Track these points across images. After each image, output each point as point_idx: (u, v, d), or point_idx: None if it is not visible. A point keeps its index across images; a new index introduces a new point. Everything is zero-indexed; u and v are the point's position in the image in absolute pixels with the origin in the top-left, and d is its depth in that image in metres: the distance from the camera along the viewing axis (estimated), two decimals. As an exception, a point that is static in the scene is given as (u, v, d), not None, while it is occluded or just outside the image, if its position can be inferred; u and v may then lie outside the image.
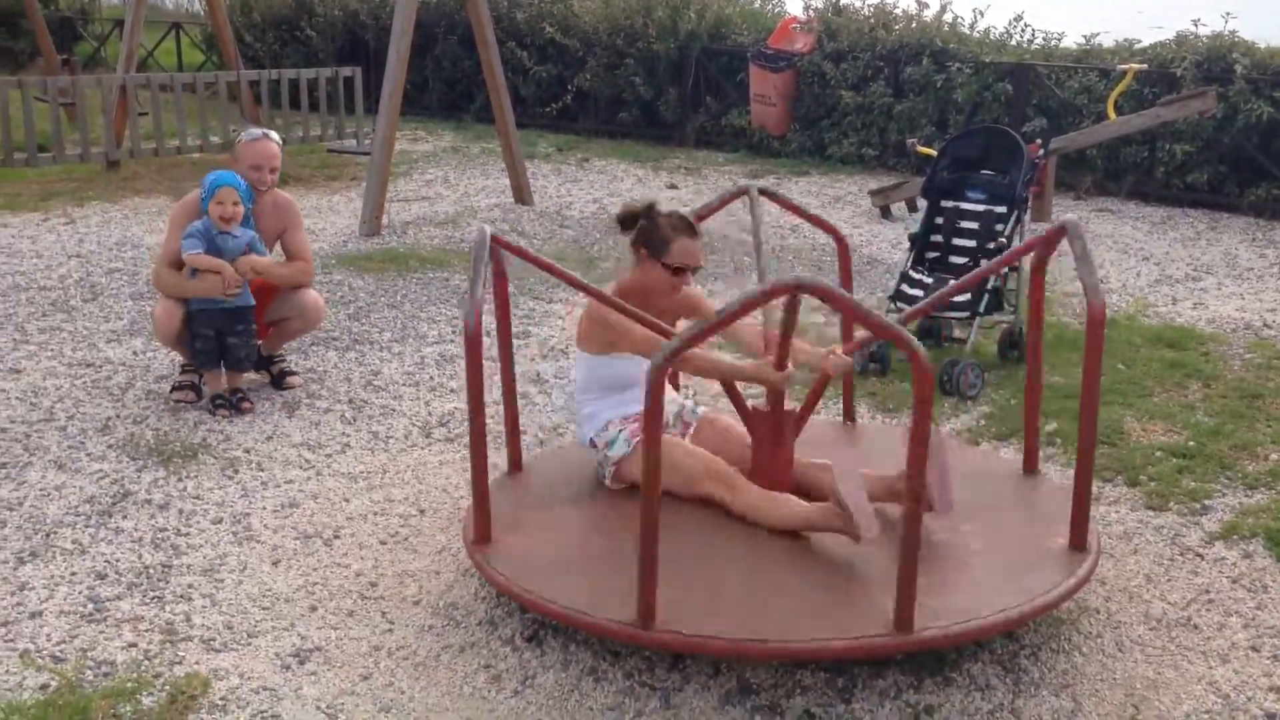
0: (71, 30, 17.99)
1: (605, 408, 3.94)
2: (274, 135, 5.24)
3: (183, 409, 5.11)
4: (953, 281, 5.02)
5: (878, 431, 4.67)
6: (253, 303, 5.12)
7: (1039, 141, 6.60)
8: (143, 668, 3.27)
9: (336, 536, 4.07)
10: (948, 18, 11.53)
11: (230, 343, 5.09)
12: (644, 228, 3.81)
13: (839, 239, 4.43)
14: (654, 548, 3.04)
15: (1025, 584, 3.34)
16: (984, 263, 5.70)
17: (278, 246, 5.39)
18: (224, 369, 5.14)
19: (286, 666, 3.31)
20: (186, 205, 5.14)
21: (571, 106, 13.39)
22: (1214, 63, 9.85)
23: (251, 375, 5.37)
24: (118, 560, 3.86)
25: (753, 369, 3.67)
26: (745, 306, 3.09)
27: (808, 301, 3.32)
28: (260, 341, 5.34)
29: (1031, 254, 3.86)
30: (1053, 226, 3.65)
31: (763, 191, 4.28)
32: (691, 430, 4.00)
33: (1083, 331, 3.83)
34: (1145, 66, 9.40)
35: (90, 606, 3.57)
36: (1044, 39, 11.19)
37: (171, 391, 5.21)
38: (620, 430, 3.89)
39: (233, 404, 5.09)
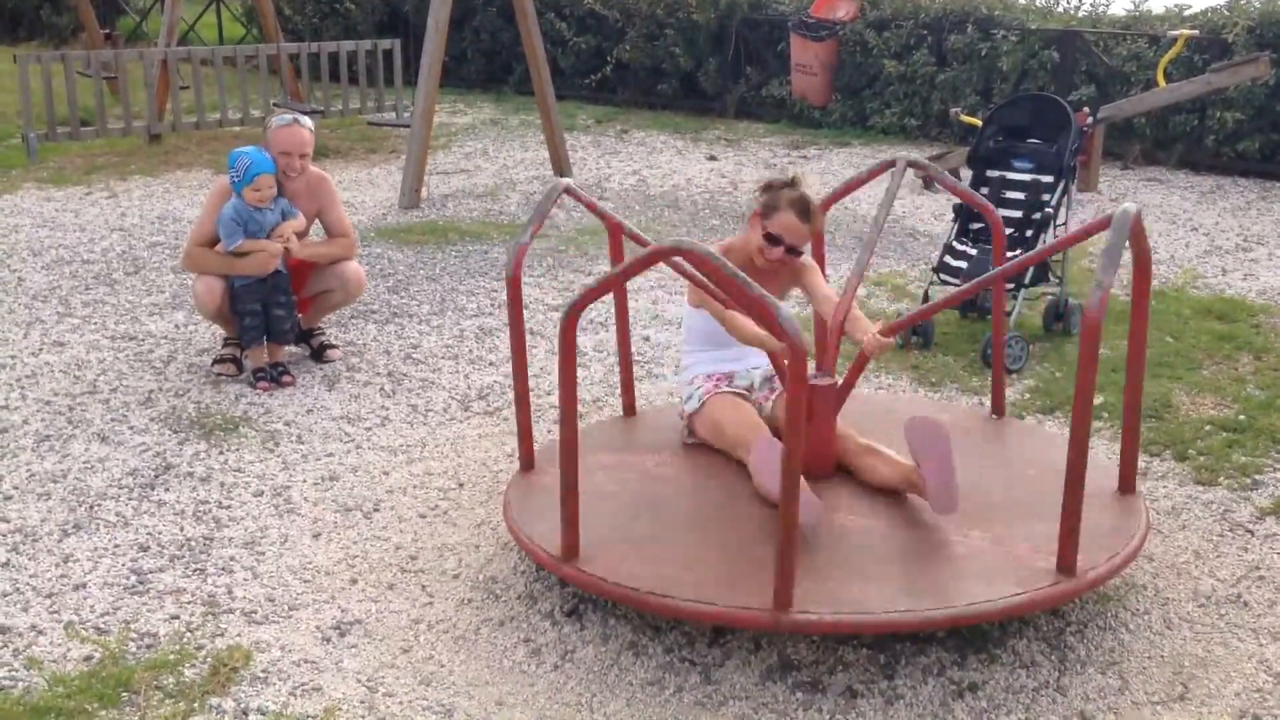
0: (114, 5, 18.07)
1: (699, 362, 4.06)
2: (305, 120, 5.18)
3: (224, 382, 5.13)
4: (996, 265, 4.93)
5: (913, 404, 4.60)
6: (285, 270, 5.13)
7: (1086, 109, 6.48)
8: (185, 640, 3.29)
9: (376, 509, 4.08)
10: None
11: (276, 314, 5.11)
12: (769, 193, 3.85)
13: (992, 218, 4.30)
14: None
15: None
16: (1029, 234, 5.62)
17: (316, 224, 5.38)
18: (266, 342, 5.16)
19: (327, 639, 3.32)
20: (223, 191, 5.12)
21: (611, 78, 13.30)
22: (1267, 28, 9.62)
23: (291, 348, 5.38)
24: (160, 533, 3.88)
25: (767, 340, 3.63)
26: (631, 269, 3.16)
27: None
28: (300, 315, 5.35)
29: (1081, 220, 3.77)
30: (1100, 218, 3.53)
31: (913, 164, 4.20)
32: (776, 395, 3.96)
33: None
34: (1196, 32, 9.21)
35: (133, 579, 3.60)
36: (1091, 5, 10.98)
37: (213, 365, 5.24)
38: (699, 386, 3.98)
39: (274, 377, 5.10)
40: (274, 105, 10.31)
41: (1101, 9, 10.93)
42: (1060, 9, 11.09)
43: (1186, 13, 10.30)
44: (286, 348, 5.29)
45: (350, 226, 5.38)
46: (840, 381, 3.75)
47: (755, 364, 4.06)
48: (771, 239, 3.80)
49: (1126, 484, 3.68)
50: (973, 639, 3.29)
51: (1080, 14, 10.96)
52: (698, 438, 4.00)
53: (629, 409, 4.41)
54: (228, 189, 5.11)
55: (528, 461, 3.87)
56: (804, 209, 3.79)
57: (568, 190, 3.91)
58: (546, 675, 3.18)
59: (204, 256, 5.08)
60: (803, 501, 3.16)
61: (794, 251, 3.82)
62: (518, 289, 3.72)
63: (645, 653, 3.26)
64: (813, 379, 3.73)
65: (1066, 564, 3.17)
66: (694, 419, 3.97)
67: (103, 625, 3.36)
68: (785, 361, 3.48)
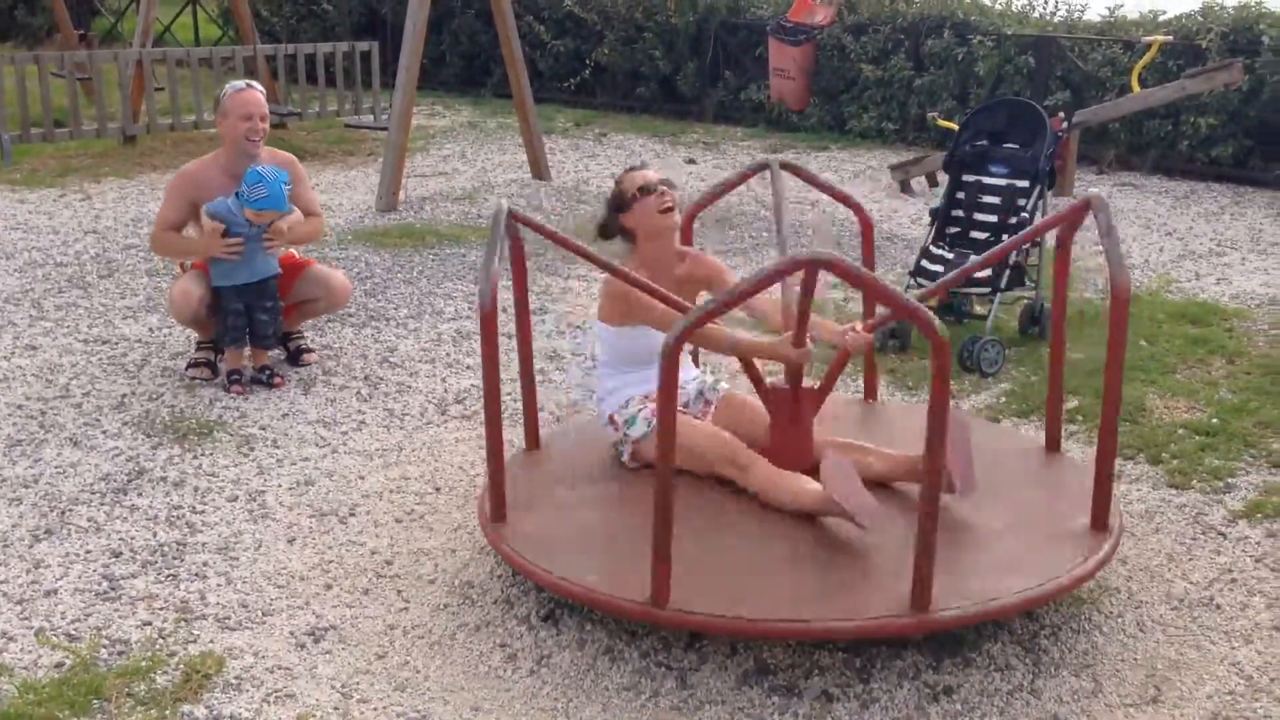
0: (88, 5, 17.96)
1: (626, 384, 3.92)
2: (256, 84, 5.18)
3: (198, 386, 5.10)
4: (973, 257, 4.98)
5: (899, 410, 4.62)
6: (278, 270, 5.09)
7: (1062, 114, 6.52)
8: (157, 646, 3.27)
9: (352, 514, 4.06)
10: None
11: (259, 319, 5.07)
12: (609, 211, 3.90)
13: (862, 215, 4.36)
14: (668, 529, 3.01)
15: (1045, 564, 3.29)
16: (1005, 238, 5.64)
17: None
18: (249, 346, 5.13)
19: (301, 645, 3.30)
20: (186, 176, 5.09)
21: (589, 81, 13.31)
22: (1240, 34, 9.71)
23: (270, 352, 5.35)
24: (133, 538, 3.85)
25: (770, 346, 3.63)
26: (761, 281, 3.04)
27: (827, 278, 3.27)
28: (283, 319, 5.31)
29: (1056, 229, 3.79)
30: (1078, 200, 3.59)
31: (784, 165, 4.21)
32: (712, 409, 3.96)
33: (1106, 307, 3.76)
34: (1170, 38, 9.27)
35: (105, 585, 3.57)
36: (1067, 11, 11.05)
37: (187, 368, 5.20)
38: (640, 409, 3.84)
39: (264, 381, 5.08)
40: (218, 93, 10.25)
41: (1077, 15, 11.00)
42: (1036, 14, 11.17)
43: (1161, 19, 10.37)
44: (269, 352, 5.25)
45: (319, 206, 5.37)
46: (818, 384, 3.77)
47: (686, 378, 4.02)
48: (645, 192, 3.79)
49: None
50: (947, 643, 3.30)
51: (1056, 20, 11.03)
52: (642, 461, 3.81)
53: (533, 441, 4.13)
54: (192, 178, 5.05)
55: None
56: (627, 172, 3.92)
57: (512, 214, 3.59)
58: (522, 680, 3.17)
59: (170, 239, 5.07)
60: (862, 506, 3.30)
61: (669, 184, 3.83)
62: (493, 324, 3.43)
63: (621, 658, 3.26)
64: (780, 382, 3.74)
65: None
66: (642, 444, 3.79)
67: (74, 632, 3.34)
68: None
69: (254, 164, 4.98)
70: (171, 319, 5.62)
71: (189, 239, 5.05)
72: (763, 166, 4.20)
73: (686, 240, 4.20)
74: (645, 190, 3.79)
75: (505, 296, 3.71)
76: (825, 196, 4.40)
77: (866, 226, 4.37)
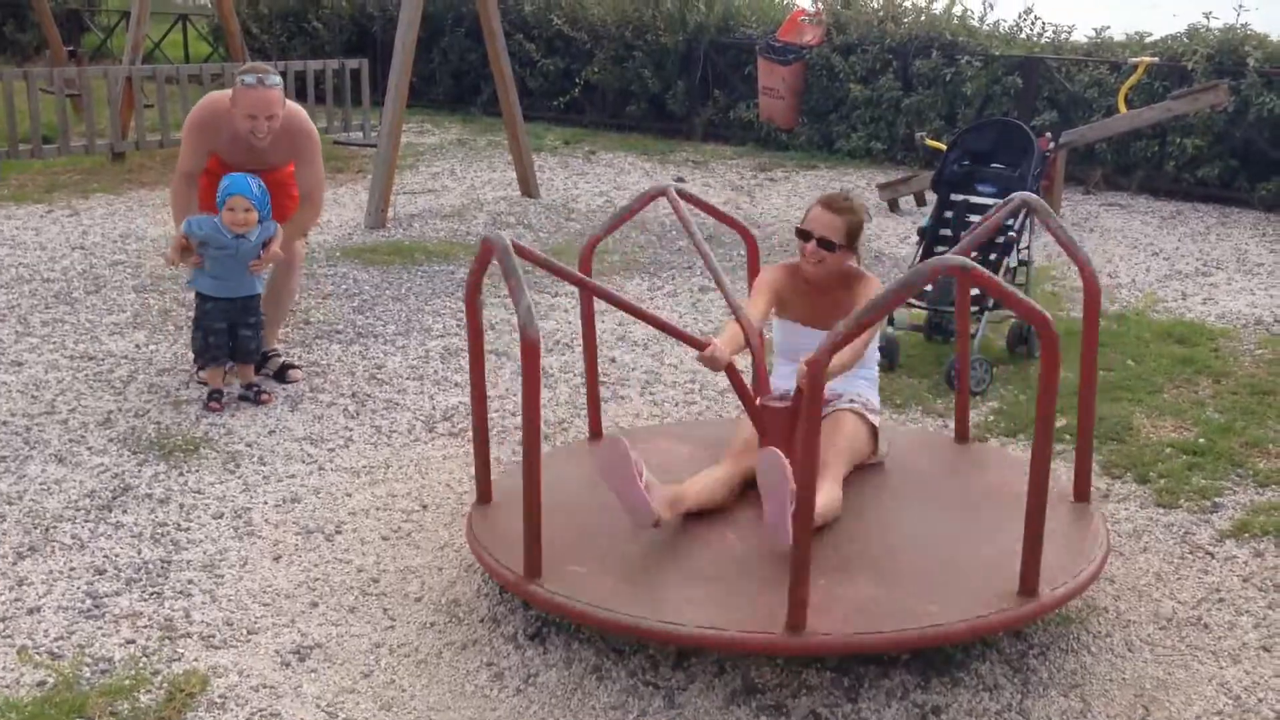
0: (78, 22, 17.97)
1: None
2: (272, 79, 4.94)
3: (184, 403, 5.07)
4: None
5: (993, 453, 4.49)
6: (260, 290, 5.08)
7: (1049, 135, 6.56)
8: (141, 665, 3.24)
9: (338, 532, 4.04)
10: (957, 10, 11.47)
11: (243, 335, 5.05)
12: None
13: (748, 237, 4.39)
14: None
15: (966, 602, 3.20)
16: (993, 256, 5.65)
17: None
18: (233, 363, 5.11)
19: (286, 664, 3.28)
20: (200, 124, 5.06)
21: (579, 99, 13.34)
22: (1226, 56, 9.78)
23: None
24: (117, 555, 3.83)
25: None
26: (904, 291, 3.05)
27: None
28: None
29: (1044, 250, 3.80)
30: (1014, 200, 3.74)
31: (680, 192, 4.26)
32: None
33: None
34: (1156, 60, 9.35)
35: (89, 602, 3.54)
36: (1054, 32, 11.13)
37: (198, 371, 5.23)
38: None
39: (251, 398, 5.06)
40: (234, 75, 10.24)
41: (1064, 36, 11.07)
42: (1023, 36, 11.24)
43: (1147, 40, 10.45)
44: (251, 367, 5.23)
45: (320, 188, 5.29)
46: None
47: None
48: (801, 234, 3.87)
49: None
50: (936, 662, 3.29)
51: (1043, 41, 11.10)
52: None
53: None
54: (202, 129, 5.03)
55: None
56: (829, 200, 3.89)
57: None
58: (509, 700, 3.15)
59: (179, 197, 5.07)
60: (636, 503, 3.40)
61: (826, 244, 3.82)
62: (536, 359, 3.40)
63: (609, 676, 3.24)
64: (767, 400, 3.74)
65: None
66: None
67: (57, 650, 3.31)
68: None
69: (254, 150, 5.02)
70: (159, 333, 5.59)
71: (187, 212, 5.00)
72: (660, 192, 4.24)
73: (586, 266, 4.20)
74: (803, 235, 3.89)
75: (494, 315, 3.73)
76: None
77: (752, 248, 4.40)
